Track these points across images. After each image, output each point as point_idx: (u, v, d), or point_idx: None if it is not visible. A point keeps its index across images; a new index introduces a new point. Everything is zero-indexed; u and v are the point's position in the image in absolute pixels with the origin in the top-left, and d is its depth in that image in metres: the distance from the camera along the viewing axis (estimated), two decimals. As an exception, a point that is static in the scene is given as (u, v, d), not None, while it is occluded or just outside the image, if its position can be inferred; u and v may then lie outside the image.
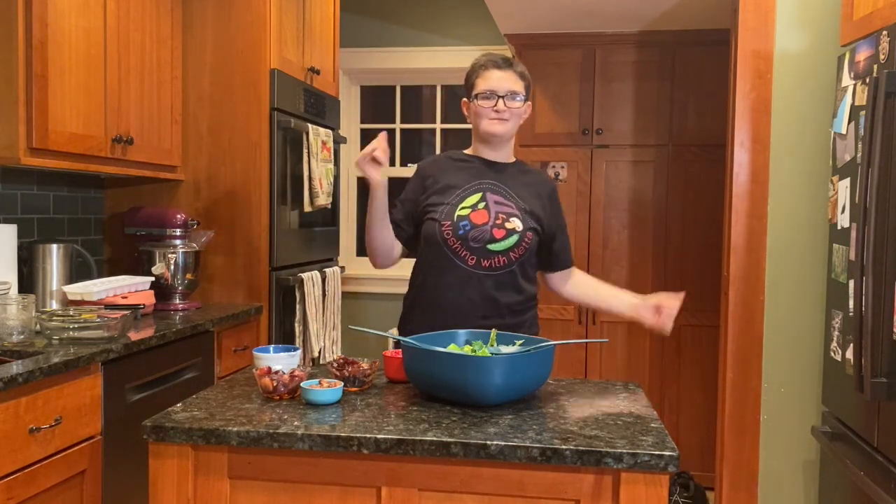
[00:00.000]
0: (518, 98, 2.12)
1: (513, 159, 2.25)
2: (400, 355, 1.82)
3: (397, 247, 2.21)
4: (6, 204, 2.74)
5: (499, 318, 2.10)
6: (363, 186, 4.80)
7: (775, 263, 2.79)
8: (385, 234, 2.17)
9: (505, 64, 2.14)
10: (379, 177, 2.05)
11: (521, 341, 1.83)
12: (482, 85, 2.13)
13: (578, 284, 2.30)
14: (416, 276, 2.21)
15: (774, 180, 2.79)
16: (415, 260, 2.23)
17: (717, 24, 3.59)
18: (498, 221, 2.10)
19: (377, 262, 2.22)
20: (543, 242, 2.20)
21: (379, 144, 1.99)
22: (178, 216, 3.06)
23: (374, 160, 1.99)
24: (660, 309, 2.07)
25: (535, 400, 1.73)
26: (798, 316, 2.79)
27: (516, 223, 2.10)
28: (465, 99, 2.20)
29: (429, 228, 2.13)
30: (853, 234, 2.24)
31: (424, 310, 2.16)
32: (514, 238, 2.09)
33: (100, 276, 2.92)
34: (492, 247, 2.08)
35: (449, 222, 2.09)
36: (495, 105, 2.11)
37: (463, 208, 2.11)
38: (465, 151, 2.26)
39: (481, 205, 2.12)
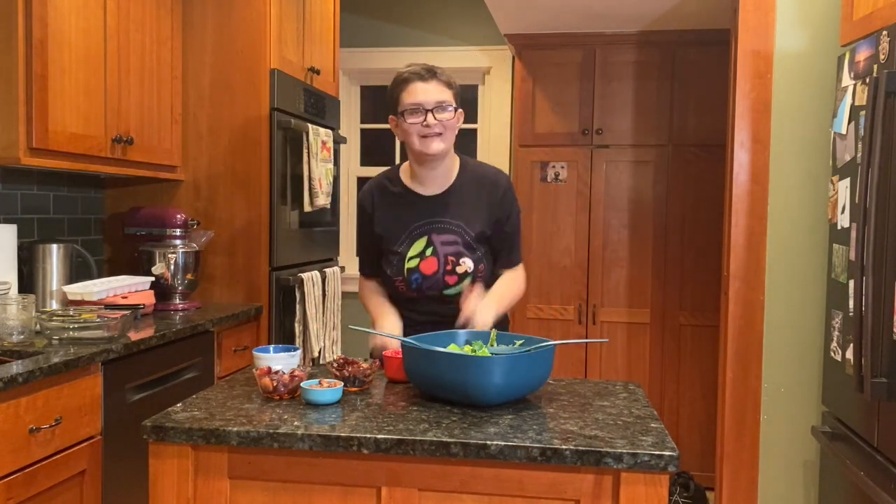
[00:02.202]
0: (448, 109, 2.00)
1: (455, 171, 2.12)
2: (400, 355, 1.82)
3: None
4: (6, 204, 2.73)
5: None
6: (362, 187, 4.81)
7: (775, 263, 2.79)
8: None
9: (428, 74, 2.00)
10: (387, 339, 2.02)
11: (521, 341, 1.83)
12: (407, 99, 1.99)
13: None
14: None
15: (774, 180, 2.79)
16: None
17: (717, 24, 3.58)
18: (448, 268, 2.06)
19: None
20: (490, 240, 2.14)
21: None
22: (178, 216, 3.06)
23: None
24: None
25: (535, 400, 1.73)
26: (798, 316, 2.79)
27: (467, 264, 2.07)
28: (391, 116, 2.06)
29: (384, 275, 2.14)
30: (853, 234, 2.24)
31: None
32: (468, 279, 2.09)
33: (100, 276, 2.92)
34: (447, 292, 2.09)
35: (401, 278, 2.10)
36: (424, 120, 1.98)
37: (411, 259, 2.08)
38: (402, 175, 2.15)
39: (429, 251, 2.07)
